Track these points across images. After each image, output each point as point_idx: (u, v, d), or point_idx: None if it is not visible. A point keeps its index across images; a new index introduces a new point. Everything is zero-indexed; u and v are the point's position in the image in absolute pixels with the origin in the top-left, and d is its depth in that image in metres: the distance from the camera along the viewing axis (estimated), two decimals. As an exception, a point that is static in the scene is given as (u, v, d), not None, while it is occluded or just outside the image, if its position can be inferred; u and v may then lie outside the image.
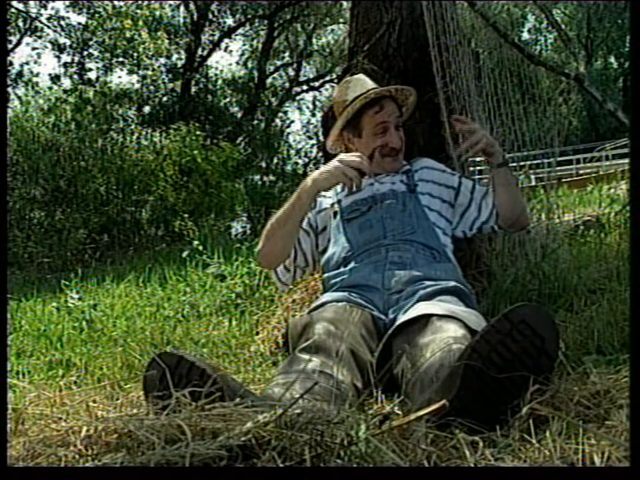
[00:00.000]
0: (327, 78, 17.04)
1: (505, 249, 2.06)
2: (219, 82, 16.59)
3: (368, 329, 1.35)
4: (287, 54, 17.77)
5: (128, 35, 11.44)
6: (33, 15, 11.83)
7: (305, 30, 16.96)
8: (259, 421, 0.78)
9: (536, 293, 1.76)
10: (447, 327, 1.21)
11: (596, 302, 1.57)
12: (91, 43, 12.16)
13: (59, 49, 12.31)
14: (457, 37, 2.11)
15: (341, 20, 15.58)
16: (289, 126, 18.34)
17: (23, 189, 8.98)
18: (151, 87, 14.17)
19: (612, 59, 22.46)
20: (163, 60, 14.01)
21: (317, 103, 18.91)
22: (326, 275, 1.63)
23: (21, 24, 11.88)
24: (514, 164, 2.27)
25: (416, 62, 2.14)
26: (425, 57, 2.09)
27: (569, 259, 2.04)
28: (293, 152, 18.09)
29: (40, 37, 12.51)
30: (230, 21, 15.45)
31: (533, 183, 2.63)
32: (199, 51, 15.10)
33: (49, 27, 11.99)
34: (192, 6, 14.68)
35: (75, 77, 12.33)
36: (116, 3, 11.30)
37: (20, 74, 12.88)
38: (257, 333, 2.06)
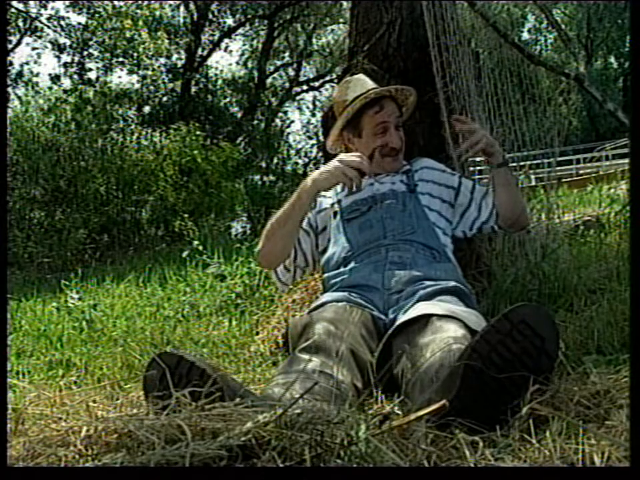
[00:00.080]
0: (327, 78, 17.04)
1: (505, 248, 2.06)
2: (219, 82, 16.59)
3: (368, 329, 1.35)
4: (287, 54, 17.78)
5: (128, 34, 11.44)
6: (33, 15, 11.84)
7: (305, 30, 16.96)
8: (258, 420, 0.78)
9: (536, 293, 1.76)
10: (446, 327, 1.21)
11: (596, 302, 1.57)
12: (91, 43, 12.16)
13: (59, 49, 12.32)
14: (457, 37, 2.11)
15: (341, 20, 15.58)
16: (289, 126, 18.37)
17: (23, 189, 8.98)
18: (151, 87, 14.18)
19: (612, 59, 22.46)
20: (163, 60, 14.02)
21: (317, 102, 18.93)
22: (326, 275, 1.63)
23: (20, 24, 11.89)
24: (514, 164, 2.27)
25: (416, 62, 2.14)
26: (425, 57, 2.09)
27: (569, 258, 2.04)
28: (293, 152, 18.11)
29: (40, 37, 12.52)
30: (230, 21, 15.47)
31: (533, 183, 2.63)
32: (199, 51, 15.11)
33: (48, 27, 12.00)
34: (192, 6, 14.68)
35: (75, 76, 12.33)
36: (116, 2, 11.31)
37: (20, 74, 12.89)
38: (257, 333, 2.06)
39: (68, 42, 12.21)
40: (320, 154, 14.87)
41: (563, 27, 18.08)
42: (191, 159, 9.53)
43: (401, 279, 1.46)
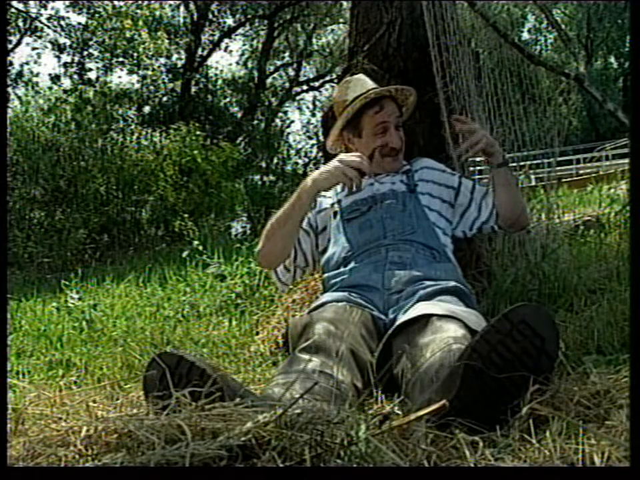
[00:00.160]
0: (327, 78, 17.04)
1: (505, 248, 2.06)
2: (219, 82, 16.59)
3: (368, 329, 1.35)
4: (287, 54, 17.78)
5: (128, 34, 11.43)
6: (33, 15, 11.84)
7: (305, 30, 16.96)
8: (258, 420, 0.78)
9: (536, 293, 1.76)
10: (446, 327, 1.21)
11: (596, 302, 1.57)
12: (91, 43, 12.16)
13: (59, 49, 12.32)
14: (457, 37, 2.11)
15: (341, 20, 15.57)
16: (289, 126, 18.36)
17: (23, 189, 8.98)
18: (151, 87, 14.17)
19: (612, 59, 22.46)
20: (163, 60, 14.02)
21: (317, 102, 18.93)
22: (326, 275, 1.63)
23: (20, 24, 11.88)
24: (514, 164, 2.27)
25: (416, 62, 2.14)
26: (425, 57, 2.09)
27: (569, 258, 2.04)
28: (293, 152, 18.11)
29: (40, 37, 12.52)
30: (230, 21, 15.47)
31: (533, 183, 2.63)
32: (199, 51, 15.11)
33: (48, 27, 12.00)
34: (192, 6, 14.68)
35: (75, 76, 12.33)
36: (116, 2, 11.31)
37: (20, 74, 12.88)
38: (257, 333, 2.06)
39: (68, 42, 12.22)
40: (320, 154, 14.87)
41: (563, 27, 18.08)
42: (191, 159, 9.53)
43: (401, 279, 1.46)
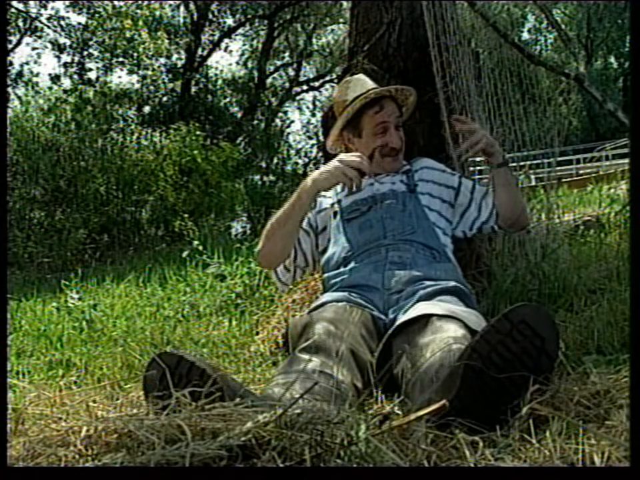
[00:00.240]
0: (327, 78, 17.04)
1: (505, 248, 2.06)
2: (219, 82, 16.59)
3: (368, 329, 1.35)
4: (287, 54, 17.78)
5: (128, 34, 11.43)
6: (33, 15, 11.84)
7: (305, 30, 16.96)
8: (258, 420, 0.78)
9: (536, 293, 1.76)
10: (446, 327, 1.21)
11: (596, 302, 1.57)
12: (91, 43, 12.16)
13: (59, 49, 12.32)
14: (457, 37, 2.11)
15: (341, 20, 15.58)
16: (289, 126, 18.37)
17: (23, 189, 8.98)
18: (151, 87, 14.18)
19: (612, 59, 22.46)
20: (163, 60, 14.02)
21: (317, 102, 18.93)
22: (326, 275, 1.63)
23: (20, 24, 11.89)
24: (514, 164, 2.27)
25: (416, 62, 2.14)
26: (425, 57, 2.09)
27: (569, 259, 2.04)
28: (293, 152, 18.12)
29: (40, 37, 12.52)
30: (230, 21, 15.47)
31: (533, 183, 2.63)
32: (199, 51, 15.11)
33: (48, 27, 12.00)
34: (192, 6, 14.69)
35: (75, 76, 12.33)
36: (116, 2, 11.31)
37: (20, 74, 12.89)
38: (257, 333, 2.06)
39: (68, 42, 12.22)
40: (320, 154, 14.87)
41: (563, 27, 18.08)
42: (191, 159, 9.53)
43: (401, 279, 1.46)
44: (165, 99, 14.47)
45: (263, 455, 0.74)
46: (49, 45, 12.54)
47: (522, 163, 2.44)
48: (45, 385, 1.60)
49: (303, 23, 16.35)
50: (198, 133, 9.94)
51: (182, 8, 14.90)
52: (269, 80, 17.10)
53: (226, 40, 15.67)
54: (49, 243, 8.20)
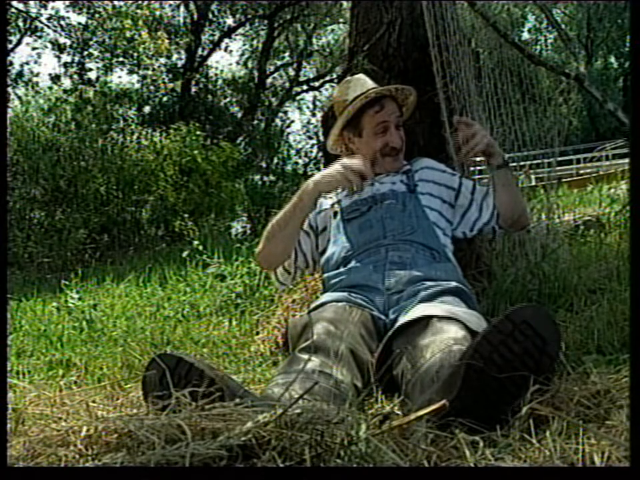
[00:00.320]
0: (327, 78, 17.02)
1: (505, 248, 2.06)
2: (219, 82, 16.58)
3: (368, 329, 1.35)
4: (287, 54, 17.77)
5: (128, 35, 11.41)
6: (33, 15, 11.82)
7: (305, 30, 16.95)
8: (258, 420, 0.78)
9: (536, 293, 1.76)
10: (447, 329, 1.21)
11: (596, 302, 1.57)
12: (91, 42, 12.14)
13: (59, 49, 12.30)
14: (457, 37, 2.10)
15: (341, 20, 15.57)
16: (289, 126, 18.36)
17: (23, 189, 8.97)
18: (151, 87, 14.17)
19: (612, 59, 22.45)
20: (163, 60, 13.99)
21: (317, 103, 18.92)
22: (326, 275, 1.63)
23: (20, 24, 11.88)
24: (514, 164, 2.26)
25: (416, 62, 2.14)
26: (425, 57, 2.09)
27: (569, 259, 2.04)
28: (293, 152, 18.11)
29: (40, 37, 12.51)
30: (230, 21, 15.45)
31: (533, 183, 2.63)
32: (199, 51, 15.10)
33: (48, 27, 11.98)
34: (192, 6, 14.68)
35: (75, 76, 12.32)
36: (116, 2, 11.29)
37: (20, 74, 12.87)
38: (257, 333, 2.06)
39: (68, 42, 12.20)
40: (320, 154, 14.88)
41: (563, 26, 18.08)
42: (191, 159, 9.52)
43: (401, 279, 1.46)
44: (165, 99, 14.47)
45: (263, 455, 0.74)
46: (49, 45, 12.52)
47: (522, 163, 2.44)
48: (45, 385, 1.60)
49: (302, 23, 16.34)
50: (198, 132, 9.92)
51: (182, 8, 14.90)
52: (269, 80, 17.09)
53: (226, 40, 15.66)
54: (49, 243, 8.19)
